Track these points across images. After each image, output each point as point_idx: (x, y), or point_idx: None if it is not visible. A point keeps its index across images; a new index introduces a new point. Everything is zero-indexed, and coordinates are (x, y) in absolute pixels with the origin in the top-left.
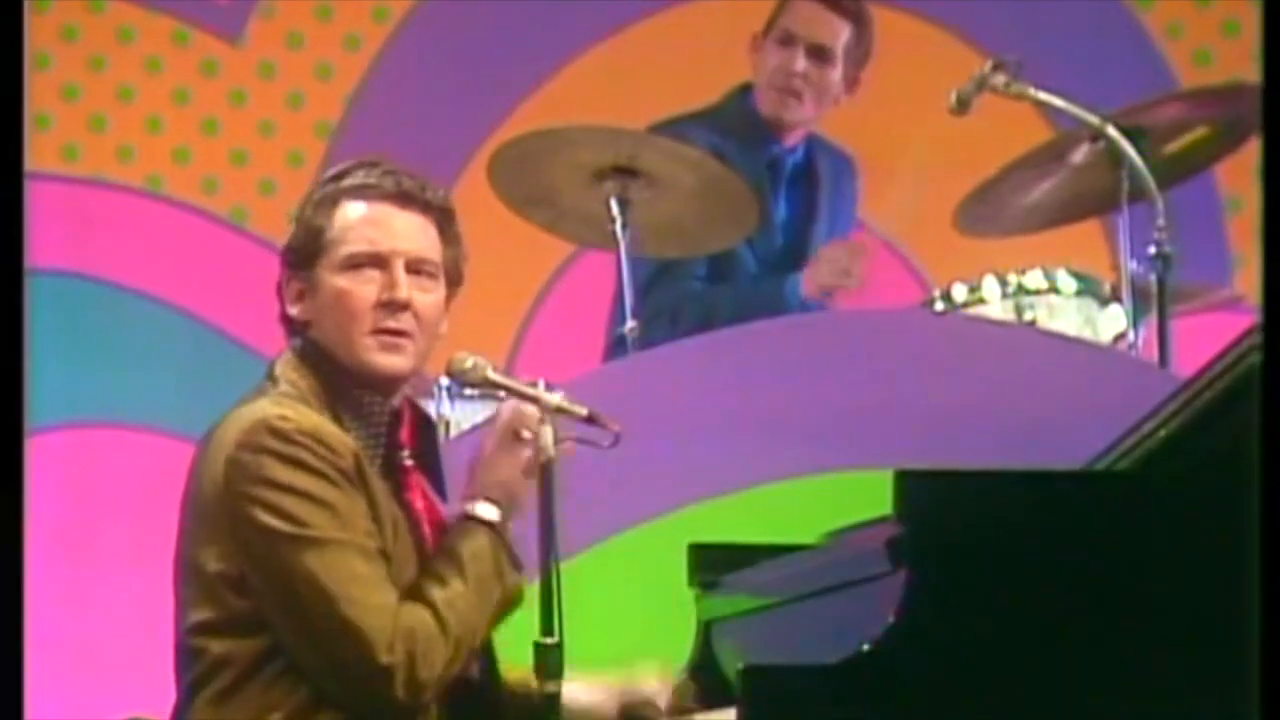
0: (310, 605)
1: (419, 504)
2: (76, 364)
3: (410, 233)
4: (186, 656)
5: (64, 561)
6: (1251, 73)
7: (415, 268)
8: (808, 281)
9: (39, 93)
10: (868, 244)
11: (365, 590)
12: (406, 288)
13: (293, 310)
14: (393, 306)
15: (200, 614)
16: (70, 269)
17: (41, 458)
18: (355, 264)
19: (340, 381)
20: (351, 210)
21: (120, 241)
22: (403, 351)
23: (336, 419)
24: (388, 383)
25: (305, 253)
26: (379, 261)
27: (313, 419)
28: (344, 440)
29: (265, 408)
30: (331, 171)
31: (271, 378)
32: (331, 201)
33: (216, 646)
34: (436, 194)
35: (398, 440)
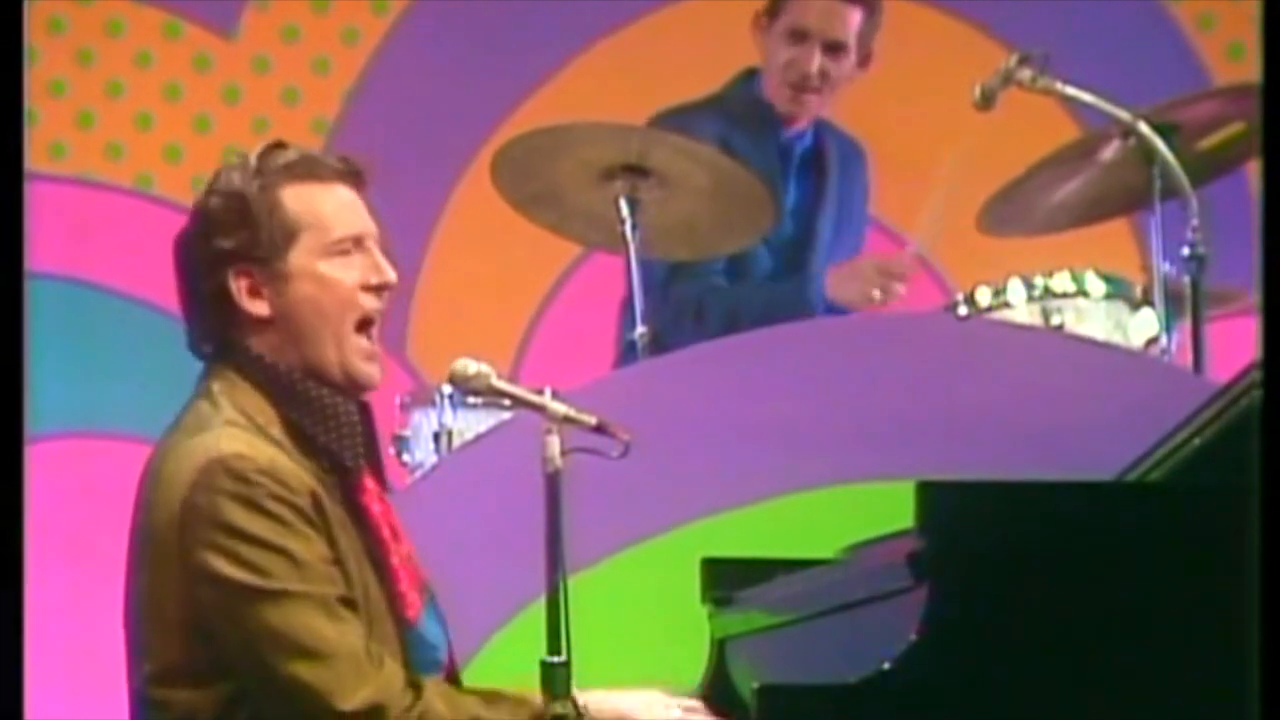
0: (268, 658)
1: (375, 508)
2: (69, 372)
3: (366, 212)
4: (148, 710)
5: (64, 568)
6: None
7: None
8: (833, 288)
9: (26, 88)
10: (906, 266)
11: (324, 644)
12: (391, 269)
13: (251, 306)
14: (381, 289)
15: (161, 661)
16: (58, 271)
17: (39, 466)
18: (342, 249)
19: (294, 389)
20: (318, 193)
21: (109, 243)
22: (378, 360)
23: (294, 431)
24: (360, 390)
25: (271, 242)
26: (359, 244)
27: (267, 453)
28: (300, 476)
29: (219, 444)
30: (252, 155)
31: (210, 399)
32: (279, 185)
33: (180, 697)
34: (366, 170)
35: None
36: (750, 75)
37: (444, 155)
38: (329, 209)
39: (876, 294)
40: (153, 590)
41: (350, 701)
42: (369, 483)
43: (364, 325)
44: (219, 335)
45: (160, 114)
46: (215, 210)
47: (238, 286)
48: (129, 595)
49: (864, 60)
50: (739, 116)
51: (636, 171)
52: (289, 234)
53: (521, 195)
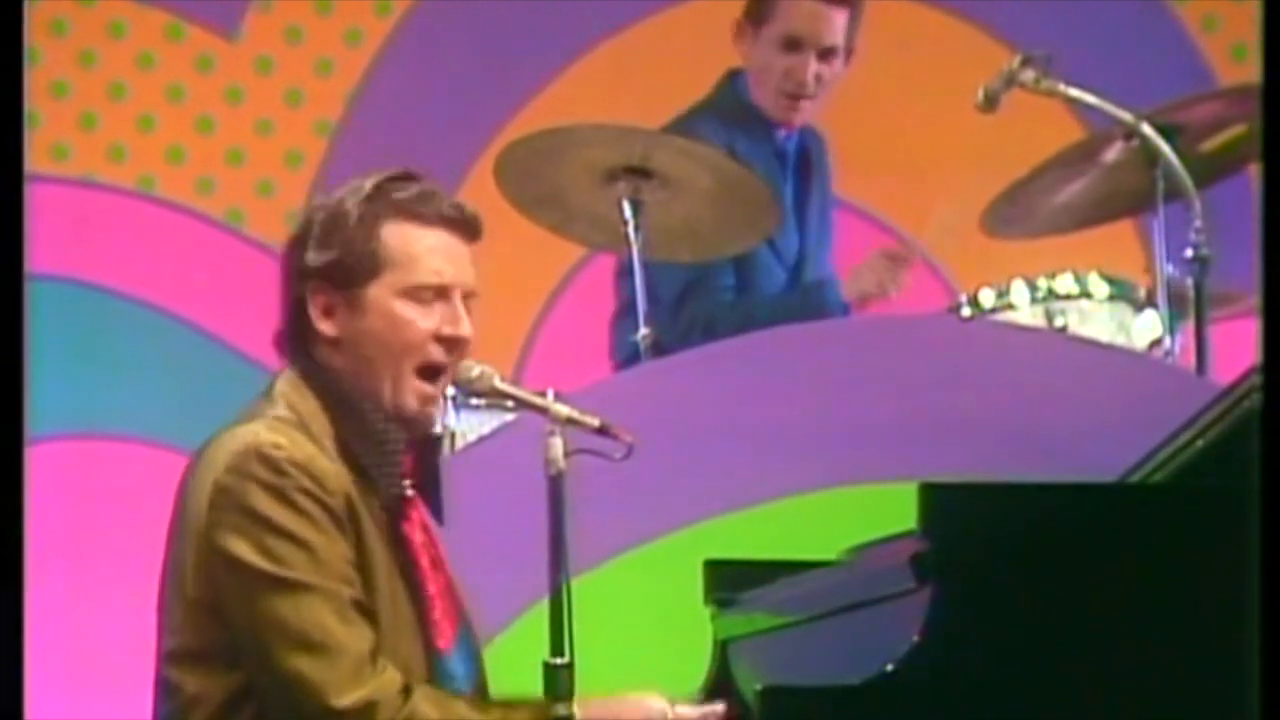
0: (273, 646)
1: (417, 538)
2: (69, 372)
3: (466, 264)
4: (162, 689)
5: (64, 568)
6: None
7: (466, 300)
8: (849, 289)
9: (27, 89)
10: (907, 255)
11: (329, 640)
12: (468, 324)
13: (322, 325)
14: (454, 343)
15: (178, 641)
16: (61, 273)
17: (39, 467)
18: (421, 295)
19: (352, 406)
20: (416, 234)
21: (112, 245)
22: (437, 406)
23: (343, 445)
24: (411, 428)
25: (355, 270)
26: (443, 294)
27: (307, 450)
28: (338, 477)
29: (259, 432)
30: (372, 181)
31: (270, 397)
32: (383, 218)
33: (190, 681)
34: (481, 222)
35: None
36: (734, 77)
37: (447, 157)
38: (421, 252)
39: (889, 283)
40: (177, 568)
41: (344, 699)
42: (414, 512)
43: (427, 371)
44: (295, 339)
45: (162, 115)
46: (316, 222)
47: (314, 302)
48: (162, 576)
49: (847, 57)
50: (736, 122)
51: (639, 173)
52: (374, 266)
53: (525, 197)
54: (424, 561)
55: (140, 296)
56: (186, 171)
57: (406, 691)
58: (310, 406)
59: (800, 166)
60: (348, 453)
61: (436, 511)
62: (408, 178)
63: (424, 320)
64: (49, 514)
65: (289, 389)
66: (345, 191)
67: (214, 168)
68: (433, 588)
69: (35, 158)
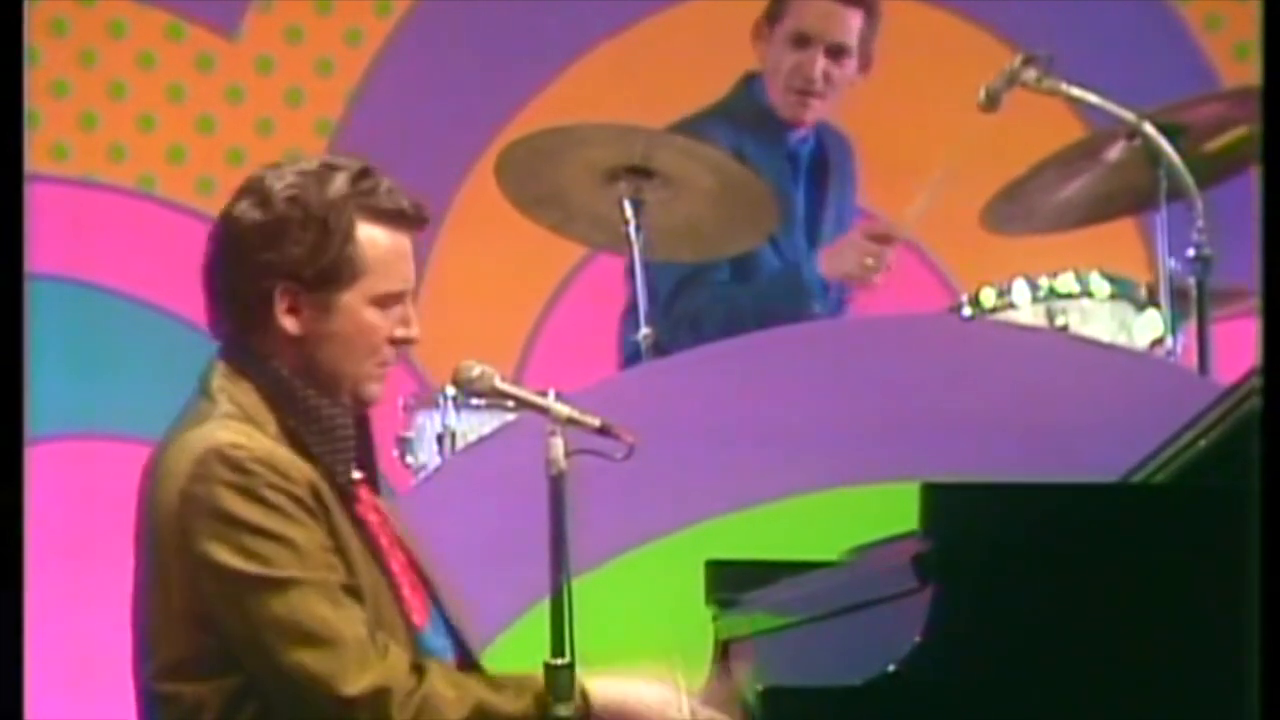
0: (272, 646)
1: (372, 518)
2: (69, 372)
3: (412, 262)
4: (157, 704)
5: (64, 568)
6: None
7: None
8: (827, 264)
9: (27, 89)
10: (889, 233)
11: (328, 630)
12: (417, 327)
13: (285, 322)
14: (408, 343)
15: (169, 654)
16: (60, 273)
17: (39, 467)
18: (386, 301)
19: (297, 396)
20: (385, 238)
21: (111, 244)
22: (385, 380)
23: (290, 435)
24: (364, 407)
25: (331, 276)
26: (400, 297)
27: (265, 444)
28: (299, 466)
29: (215, 434)
30: (343, 179)
31: (209, 395)
32: (357, 221)
33: (188, 691)
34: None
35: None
36: (750, 80)
37: (447, 156)
38: (392, 260)
39: (870, 261)
40: (158, 584)
41: (354, 687)
42: (363, 493)
43: (381, 364)
44: (236, 330)
45: (163, 115)
46: (285, 218)
47: (281, 300)
48: (136, 591)
49: (865, 64)
50: (747, 124)
51: (641, 173)
52: (352, 274)
53: (525, 196)
54: (383, 541)
55: (140, 296)
56: (186, 171)
57: (418, 670)
58: (251, 399)
59: (815, 169)
60: (294, 440)
61: (374, 484)
62: (370, 174)
63: (385, 324)
64: (49, 514)
65: (226, 383)
66: (310, 184)
67: (214, 168)
68: (395, 565)
69: (35, 158)
